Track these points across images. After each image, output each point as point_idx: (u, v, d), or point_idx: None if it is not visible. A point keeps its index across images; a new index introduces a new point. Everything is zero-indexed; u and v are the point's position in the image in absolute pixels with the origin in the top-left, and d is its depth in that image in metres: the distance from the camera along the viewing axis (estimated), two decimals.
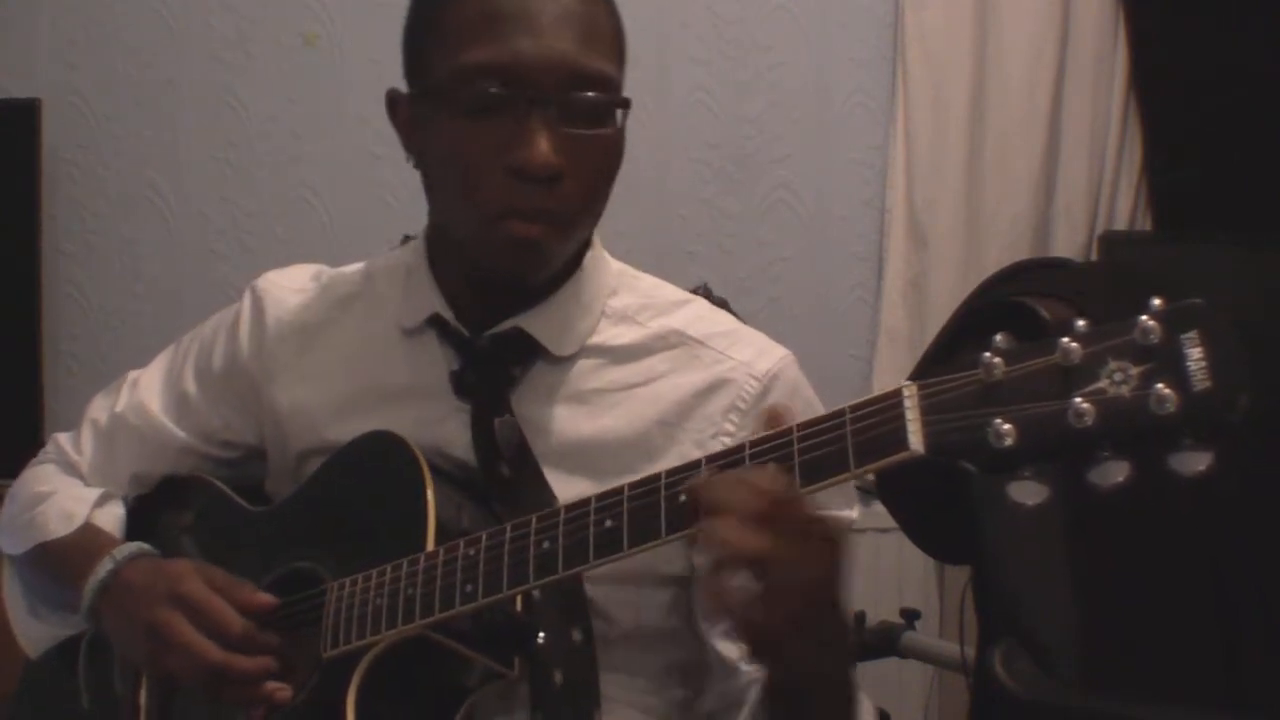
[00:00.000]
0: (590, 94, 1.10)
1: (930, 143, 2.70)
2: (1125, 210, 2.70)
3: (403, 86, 1.19)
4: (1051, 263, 2.09)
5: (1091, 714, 1.56)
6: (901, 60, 2.72)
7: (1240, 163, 2.48)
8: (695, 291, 1.34)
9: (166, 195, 2.84)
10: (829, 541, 0.91)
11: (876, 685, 2.60)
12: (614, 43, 1.15)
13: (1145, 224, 2.70)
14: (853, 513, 1.17)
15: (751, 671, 1.15)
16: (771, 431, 0.92)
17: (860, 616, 2.12)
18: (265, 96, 2.82)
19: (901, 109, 2.72)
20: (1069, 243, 2.68)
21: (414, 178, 1.19)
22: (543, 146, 1.07)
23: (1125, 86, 2.68)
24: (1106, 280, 1.72)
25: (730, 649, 1.16)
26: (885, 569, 2.62)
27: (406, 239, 1.41)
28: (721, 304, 1.38)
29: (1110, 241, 2.51)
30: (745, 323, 1.30)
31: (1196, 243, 2.32)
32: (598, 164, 1.13)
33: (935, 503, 1.70)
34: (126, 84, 2.83)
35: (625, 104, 1.13)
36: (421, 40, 1.16)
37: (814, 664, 0.96)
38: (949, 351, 1.74)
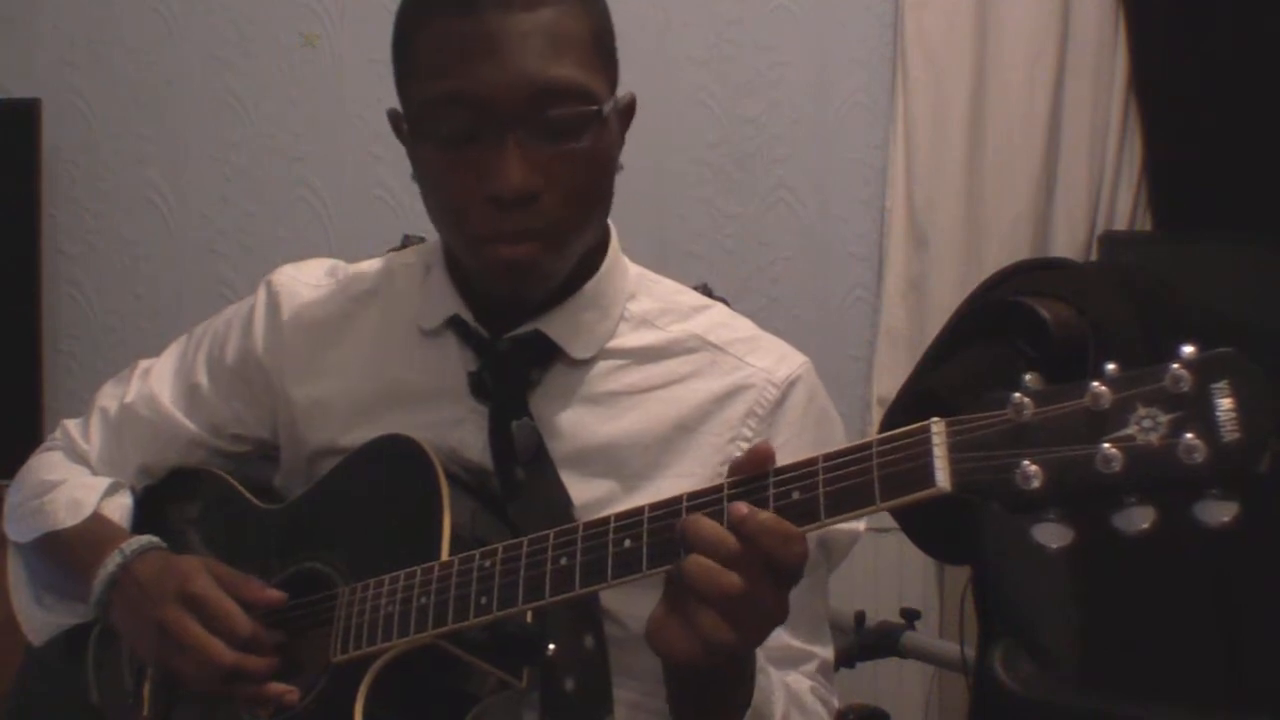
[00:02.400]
0: (558, 111, 1.08)
1: (930, 143, 2.70)
2: (1125, 210, 2.70)
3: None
4: (1051, 263, 2.09)
5: (1091, 714, 1.56)
6: (901, 60, 2.72)
7: (1240, 162, 2.47)
8: (695, 291, 1.34)
9: (166, 195, 2.84)
10: (792, 577, 0.92)
11: (876, 685, 2.61)
12: (587, 46, 1.11)
13: (1145, 224, 2.69)
14: (860, 525, 1.17)
15: None
16: (793, 463, 0.92)
17: (860, 616, 2.12)
18: (265, 96, 2.82)
19: (901, 109, 2.72)
20: (1069, 243, 2.68)
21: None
22: (513, 172, 1.06)
23: (1125, 86, 2.67)
24: (1106, 280, 1.72)
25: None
26: (885, 569, 2.61)
27: (406, 239, 1.41)
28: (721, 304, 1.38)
29: (1110, 241, 2.51)
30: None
31: (1196, 243, 2.32)
32: (577, 177, 1.11)
33: (935, 503, 1.70)
34: (126, 84, 2.83)
35: (597, 116, 1.10)
36: (398, 68, 1.15)
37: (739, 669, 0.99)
38: (949, 351, 1.74)
